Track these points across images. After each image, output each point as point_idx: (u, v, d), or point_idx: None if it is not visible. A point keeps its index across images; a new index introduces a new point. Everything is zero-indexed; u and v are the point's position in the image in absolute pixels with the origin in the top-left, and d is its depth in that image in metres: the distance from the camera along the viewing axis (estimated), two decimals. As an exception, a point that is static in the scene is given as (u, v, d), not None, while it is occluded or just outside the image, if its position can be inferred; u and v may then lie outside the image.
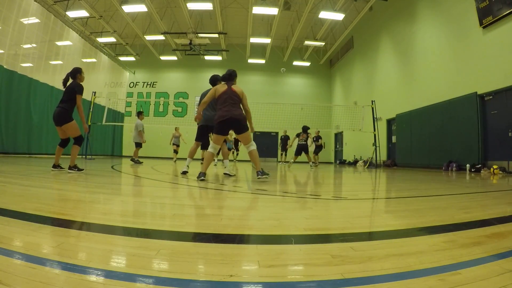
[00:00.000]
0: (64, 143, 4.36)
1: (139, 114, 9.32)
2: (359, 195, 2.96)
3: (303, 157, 9.84)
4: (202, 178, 3.67)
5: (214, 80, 4.69)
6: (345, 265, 0.94)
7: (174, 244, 1.15)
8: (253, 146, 4.04)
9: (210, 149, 4.04)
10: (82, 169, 4.33)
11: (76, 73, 4.35)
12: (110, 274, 0.81)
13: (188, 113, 20.11)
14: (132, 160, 8.84)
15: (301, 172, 6.98)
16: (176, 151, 12.11)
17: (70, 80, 4.38)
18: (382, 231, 1.47)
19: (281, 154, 12.97)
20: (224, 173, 4.74)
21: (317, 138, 11.96)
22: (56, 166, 4.37)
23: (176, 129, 12.41)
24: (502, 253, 1.06)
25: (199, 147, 5.09)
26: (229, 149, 8.93)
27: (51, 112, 11.40)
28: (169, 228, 1.42)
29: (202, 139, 4.97)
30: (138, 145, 9.05)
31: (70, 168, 4.17)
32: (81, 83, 4.35)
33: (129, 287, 0.75)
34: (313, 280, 0.83)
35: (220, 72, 4.69)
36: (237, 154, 14.18)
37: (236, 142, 13.34)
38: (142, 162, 8.99)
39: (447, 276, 0.85)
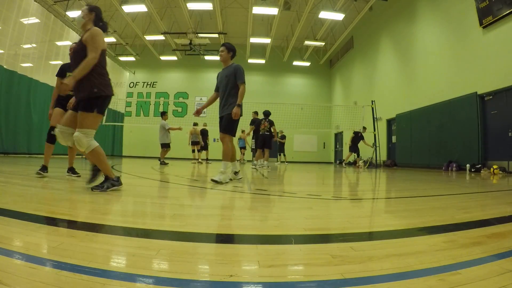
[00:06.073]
0: (52, 137, 3.55)
1: (163, 114, 9.19)
2: (359, 195, 2.96)
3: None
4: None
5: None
6: (345, 265, 0.94)
7: (174, 244, 1.15)
8: None
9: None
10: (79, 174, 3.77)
11: None
12: (110, 274, 0.81)
13: (188, 113, 20.10)
14: (159, 160, 8.73)
15: (301, 173, 6.98)
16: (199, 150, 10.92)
17: None
18: (382, 231, 1.47)
19: (279, 155, 12.91)
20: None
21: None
22: (44, 168, 3.56)
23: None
24: (502, 253, 1.06)
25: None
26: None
27: (51, 112, 11.54)
28: (169, 228, 1.42)
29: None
30: (165, 146, 8.91)
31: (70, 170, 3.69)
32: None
33: (129, 287, 0.75)
34: (313, 280, 0.83)
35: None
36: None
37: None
38: (168, 163, 8.74)
39: (447, 276, 0.85)
